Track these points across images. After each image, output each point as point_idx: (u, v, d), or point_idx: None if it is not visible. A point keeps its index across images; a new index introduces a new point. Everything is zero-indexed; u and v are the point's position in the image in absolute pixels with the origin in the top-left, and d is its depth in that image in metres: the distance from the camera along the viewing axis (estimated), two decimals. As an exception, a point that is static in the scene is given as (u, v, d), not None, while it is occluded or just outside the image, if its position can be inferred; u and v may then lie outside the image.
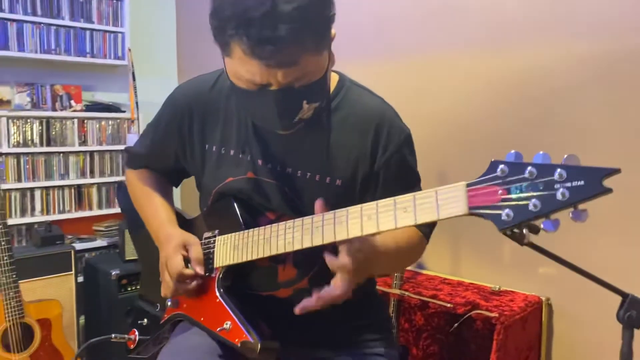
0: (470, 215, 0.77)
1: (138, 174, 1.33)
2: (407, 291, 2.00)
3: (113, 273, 2.67)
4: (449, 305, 1.87)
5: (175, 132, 1.20)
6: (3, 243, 2.15)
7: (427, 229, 1.14)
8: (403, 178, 1.11)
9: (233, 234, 1.10)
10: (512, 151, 0.75)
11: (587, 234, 1.83)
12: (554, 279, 1.95)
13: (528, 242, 0.78)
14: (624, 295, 1.07)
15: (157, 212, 1.26)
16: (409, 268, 2.28)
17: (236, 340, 1.01)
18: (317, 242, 0.94)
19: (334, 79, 1.15)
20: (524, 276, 2.02)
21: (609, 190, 0.68)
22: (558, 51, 1.91)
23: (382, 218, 0.86)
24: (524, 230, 0.75)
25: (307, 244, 0.95)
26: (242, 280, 1.14)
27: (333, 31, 1.00)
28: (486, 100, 2.11)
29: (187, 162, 1.24)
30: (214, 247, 1.14)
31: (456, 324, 1.88)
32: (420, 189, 1.09)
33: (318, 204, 0.94)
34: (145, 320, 1.26)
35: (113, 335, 1.29)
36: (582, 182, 0.69)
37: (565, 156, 0.72)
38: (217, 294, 1.08)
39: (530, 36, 1.98)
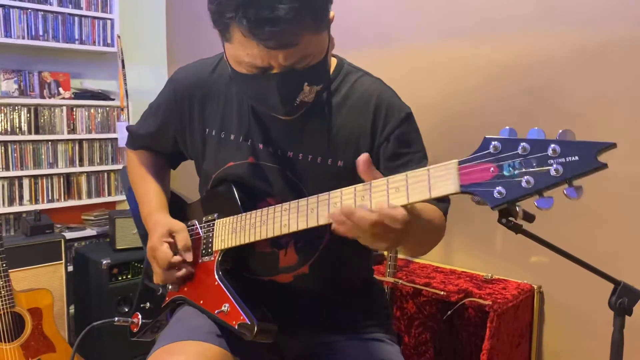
0: (462, 194, 0.76)
1: (137, 154, 1.33)
2: (401, 279, 2.01)
3: (104, 262, 2.65)
4: (442, 293, 1.88)
5: (175, 116, 1.20)
6: (-8, 232, 2.12)
7: (444, 207, 1.11)
8: (402, 156, 1.10)
9: (232, 217, 1.10)
10: (507, 127, 0.74)
11: (579, 222, 1.85)
12: (545, 267, 1.97)
13: (522, 216, 0.78)
14: (616, 282, 1.08)
15: (148, 197, 1.26)
16: (401, 256, 2.29)
17: (233, 322, 1.01)
18: (312, 223, 0.93)
19: (332, 63, 1.15)
20: (516, 264, 2.04)
21: (604, 166, 0.66)
22: (551, 40, 1.91)
23: (375, 198, 0.85)
24: (518, 208, 0.74)
25: (302, 226, 0.95)
26: (243, 265, 1.14)
27: (332, 12, 1.00)
28: (479, 89, 2.11)
29: (186, 147, 1.23)
30: (213, 230, 1.14)
31: (450, 312, 1.90)
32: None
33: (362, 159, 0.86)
34: (148, 303, 1.26)
35: (116, 319, 1.29)
36: (576, 158, 0.67)
37: (560, 131, 0.70)
38: (216, 276, 1.09)
39: (523, 25, 1.98)
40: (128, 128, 1.34)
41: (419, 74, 2.29)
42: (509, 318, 1.82)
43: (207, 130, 1.17)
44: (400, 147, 1.10)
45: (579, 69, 1.86)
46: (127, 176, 1.44)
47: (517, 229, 0.98)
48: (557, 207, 0.75)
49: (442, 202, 1.12)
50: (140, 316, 1.27)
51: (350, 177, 1.08)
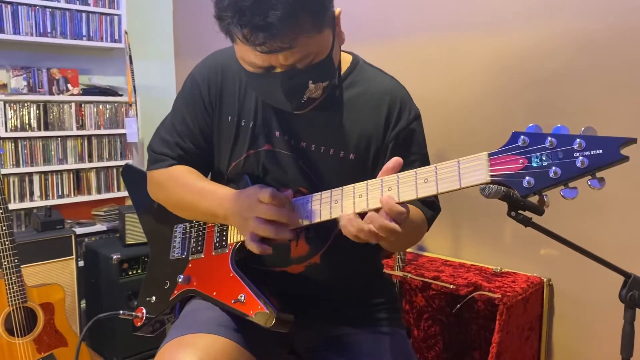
0: (490, 184, 0.81)
1: (168, 172, 1.20)
2: (410, 273, 2.01)
3: (114, 257, 2.67)
4: (451, 286, 1.88)
5: (199, 106, 1.18)
6: (4, 227, 2.14)
7: (430, 214, 1.16)
8: (409, 155, 1.12)
9: None
10: (532, 124, 0.79)
11: (589, 214, 1.84)
12: (555, 260, 1.96)
13: (547, 206, 0.82)
14: (626, 275, 1.08)
15: (206, 189, 1.14)
16: (410, 250, 2.29)
17: (251, 311, 1.02)
18: (336, 214, 0.95)
19: (347, 59, 1.17)
20: (525, 257, 2.03)
21: (626, 158, 0.72)
22: (557, 32, 1.89)
23: (403, 189, 0.88)
24: (545, 197, 0.79)
25: (325, 217, 0.97)
26: (255, 257, 1.15)
27: (338, 9, 1.01)
28: (486, 81, 2.10)
29: (212, 135, 1.19)
30: (229, 225, 1.15)
31: (459, 305, 1.90)
32: None
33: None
34: (154, 297, 1.26)
35: (121, 312, 1.29)
36: (600, 151, 0.72)
37: (583, 128, 0.75)
38: (231, 268, 1.09)
39: (529, 17, 1.97)
40: (151, 149, 1.23)
41: (425, 68, 2.28)
42: (518, 311, 1.82)
43: (230, 117, 1.16)
44: (408, 146, 1.13)
45: (587, 60, 1.84)
46: (133, 174, 1.44)
47: (527, 222, 0.99)
48: (567, 200, 0.77)
49: (432, 210, 1.17)
50: (144, 310, 1.27)
51: (361, 170, 1.11)
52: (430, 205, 1.16)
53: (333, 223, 0.98)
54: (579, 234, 1.73)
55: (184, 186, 1.16)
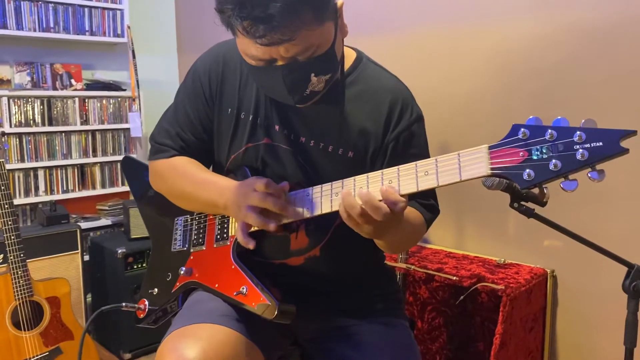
0: (491, 177, 0.82)
1: (170, 162, 1.20)
2: (413, 265, 2.01)
3: (119, 251, 2.68)
4: (454, 278, 1.88)
5: (200, 98, 1.18)
6: (10, 222, 2.15)
7: (429, 216, 1.16)
8: (410, 157, 1.10)
9: None
10: (532, 116, 0.79)
11: (592, 205, 1.84)
12: (559, 251, 1.96)
13: (547, 199, 0.83)
14: (629, 265, 1.08)
15: (208, 179, 1.15)
16: (413, 242, 2.30)
17: (253, 303, 1.02)
18: (337, 207, 0.95)
19: (351, 55, 1.16)
20: (529, 249, 2.03)
21: (626, 151, 0.72)
22: (561, 22, 1.88)
23: (404, 182, 0.88)
24: (545, 190, 0.80)
25: (326, 210, 0.97)
26: (255, 249, 1.15)
27: (340, 1, 1.00)
28: (488, 73, 2.10)
29: (212, 128, 1.20)
30: (229, 215, 1.15)
31: (462, 297, 1.90)
32: None
33: None
34: (156, 289, 1.27)
35: (124, 304, 1.30)
36: (600, 143, 0.73)
37: (583, 120, 0.75)
38: (233, 260, 1.10)
39: (532, 8, 1.96)
40: (153, 139, 1.24)
41: (427, 60, 2.28)
42: (522, 302, 1.82)
43: (230, 110, 1.16)
44: (409, 148, 1.13)
45: (589, 51, 1.83)
46: (131, 170, 1.44)
47: (530, 213, 0.99)
48: (566, 192, 0.78)
49: (431, 212, 1.16)
50: (147, 302, 1.28)
51: (359, 168, 1.11)
52: (430, 208, 1.17)
53: (333, 216, 0.99)
54: (582, 224, 1.73)
55: (185, 176, 1.17)
